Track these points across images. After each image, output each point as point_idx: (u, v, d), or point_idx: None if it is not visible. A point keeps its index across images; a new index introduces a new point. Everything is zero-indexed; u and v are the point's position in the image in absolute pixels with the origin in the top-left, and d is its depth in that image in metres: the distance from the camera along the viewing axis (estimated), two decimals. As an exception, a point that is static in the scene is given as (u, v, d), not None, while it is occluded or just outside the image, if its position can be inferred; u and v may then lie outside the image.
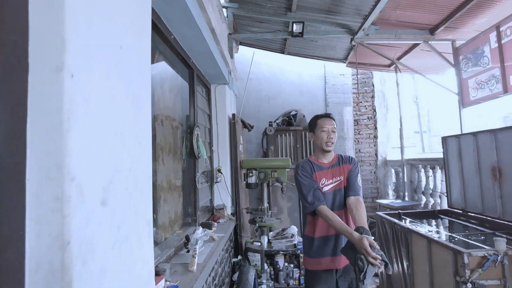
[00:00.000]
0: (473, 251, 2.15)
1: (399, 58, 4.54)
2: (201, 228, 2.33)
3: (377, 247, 1.69)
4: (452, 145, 3.67)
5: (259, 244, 3.54)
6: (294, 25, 3.77)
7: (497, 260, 2.09)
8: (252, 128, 4.65)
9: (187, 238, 2.28)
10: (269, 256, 3.72)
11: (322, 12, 3.84)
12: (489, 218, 3.09)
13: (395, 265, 3.37)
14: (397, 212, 3.82)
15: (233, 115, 3.76)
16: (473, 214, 3.32)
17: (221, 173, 3.51)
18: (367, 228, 1.81)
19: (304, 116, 5.22)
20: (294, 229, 3.92)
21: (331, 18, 3.89)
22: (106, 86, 0.77)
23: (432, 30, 3.79)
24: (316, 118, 2.18)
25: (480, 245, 2.42)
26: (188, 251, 2.21)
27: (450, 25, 3.59)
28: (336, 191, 2.08)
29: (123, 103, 0.85)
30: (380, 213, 3.87)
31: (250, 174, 3.81)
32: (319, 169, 2.09)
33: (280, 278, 3.65)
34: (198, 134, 2.83)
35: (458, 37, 3.83)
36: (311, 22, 3.96)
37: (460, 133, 3.85)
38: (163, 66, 2.42)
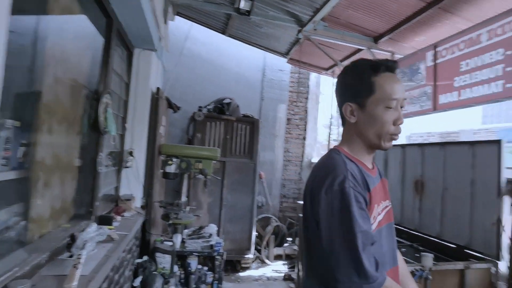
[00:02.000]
0: (402, 266, 2.06)
1: (341, 61, 4.50)
2: (95, 225, 1.74)
3: None
4: (379, 155, 3.73)
5: (170, 243, 3.03)
6: (243, 0, 3.35)
7: (423, 275, 2.04)
8: (179, 109, 4.08)
9: (73, 238, 1.68)
10: (181, 257, 3.24)
11: (274, -6, 3.51)
12: (406, 229, 3.18)
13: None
14: (320, 216, 3.76)
15: (158, 89, 3.16)
16: (390, 224, 3.40)
17: (133, 156, 2.89)
18: None
19: (238, 106, 4.84)
20: (213, 228, 3.52)
21: (281, 4, 3.59)
22: None
23: (377, 39, 3.79)
24: (372, 70, 0.98)
25: (407, 259, 2.39)
26: (71, 256, 1.61)
27: (393, 36, 3.62)
28: (388, 225, 1.08)
29: None
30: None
31: (170, 162, 3.26)
32: (371, 182, 0.99)
33: (191, 282, 3.20)
34: (107, 104, 2.19)
35: (397, 51, 3.92)
36: (260, 3, 3.60)
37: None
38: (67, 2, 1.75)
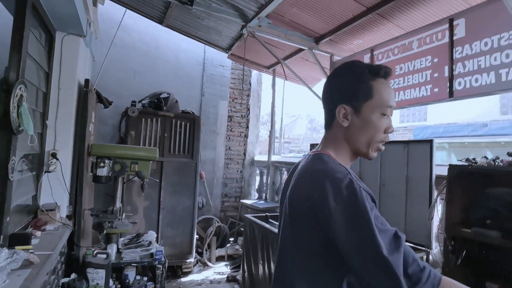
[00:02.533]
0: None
1: (284, 60, 4.53)
2: (6, 250, 1.40)
3: None
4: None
5: (104, 256, 2.69)
6: (185, -12, 3.11)
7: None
8: (110, 104, 3.64)
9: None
10: (117, 270, 2.91)
11: (218, -14, 3.34)
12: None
13: (262, 267, 3.23)
14: (264, 215, 3.74)
15: (87, 81, 2.74)
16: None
17: (57, 159, 2.46)
18: None
19: (176, 101, 4.54)
20: (152, 235, 3.23)
21: (226, -4, 3.44)
22: None
23: (318, 40, 3.89)
24: (371, 74, 0.93)
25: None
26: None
27: (333, 38, 3.75)
28: None
29: None
30: (249, 216, 3.68)
31: (102, 164, 2.90)
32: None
33: (129, 297, 2.90)
34: (22, 96, 1.80)
35: (336, 52, 4.08)
36: (203, -7, 3.39)
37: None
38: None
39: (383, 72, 0.93)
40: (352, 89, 0.93)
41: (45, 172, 2.42)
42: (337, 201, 0.78)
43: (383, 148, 0.96)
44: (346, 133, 0.94)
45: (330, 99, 0.98)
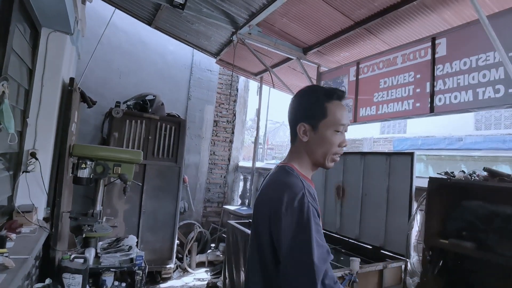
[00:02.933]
0: (333, 272, 2.14)
1: (272, 68, 4.58)
2: (-19, 254, 1.34)
3: None
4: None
5: (81, 261, 2.60)
6: (178, -8, 3.11)
7: (351, 279, 2.15)
8: (94, 104, 3.56)
9: None
10: (94, 275, 2.82)
11: (211, -9, 3.36)
12: (328, 232, 3.37)
13: (244, 274, 3.21)
14: (247, 221, 3.73)
15: (72, 80, 2.67)
16: (313, 227, 3.57)
17: (37, 159, 2.38)
18: None
19: (162, 104, 4.49)
20: (132, 240, 3.17)
21: (217, 3, 3.45)
22: None
23: (306, 50, 3.96)
24: (326, 96, 1.08)
25: (334, 263, 2.50)
26: None
27: (321, 49, 3.84)
28: None
29: None
30: (232, 222, 3.66)
31: (83, 166, 2.83)
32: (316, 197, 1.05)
33: (105, 303, 2.81)
34: (4, 93, 1.74)
35: (323, 64, 4.17)
36: (195, -2, 3.40)
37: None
38: None
39: (336, 95, 1.09)
40: (310, 110, 1.09)
41: (23, 172, 2.33)
42: (288, 210, 0.94)
43: (338, 159, 1.12)
44: (306, 147, 1.10)
45: (293, 117, 1.13)
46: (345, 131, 1.11)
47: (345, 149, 1.14)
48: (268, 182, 1.11)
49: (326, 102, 1.07)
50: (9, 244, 1.85)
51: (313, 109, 1.08)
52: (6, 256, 1.63)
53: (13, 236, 2.00)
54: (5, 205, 2.24)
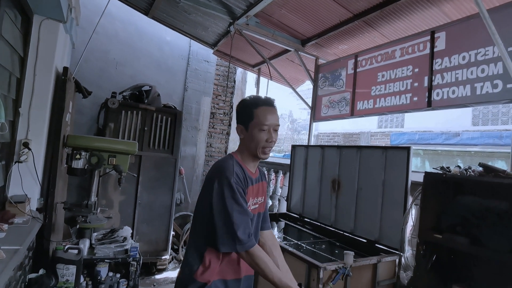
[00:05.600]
0: (327, 265, 2.15)
1: (270, 59, 4.53)
2: (-29, 244, 1.32)
3: None
4: (300, 154, 3.89)
5: (76, 251, 2.59)
6: (173, -19, 3.04)
7: (345, 273, 2.16)
8: (90, 94, 3.51)
9: None
10: (89, 266, 2.81)
11: (207, -19, 3.29)
12: (322, 225, 3.38)
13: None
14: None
15: (65, 69, 2.63)
16: (308, 220, 3.58)
17: (29, 149, 2.35)
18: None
19: (158, 95, 4.44)
20: (127, 231, 3.16)
21: (214, -8, 3.39)
22: None
23: (304, 42, 3.92)
24: (253, 104, 1.42)
25: (328, 256, 2.51)
26: None
27: (319, 41, 3.79)
28: (258, 214, 1.53)
29: None
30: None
31: (78, 156, 2.80)
32: (250, 182, 1.43)
33: (100, 294, 2.81)
34: (-5, 82, 1.70)
35: (321, 56, 4.13)
36: (192, -13, 3.33)
37: (307, 144, 4.15)
38: None
39: (261, 102, 1.42)
40: (242, 115, 1.45)
41: (15, 162, 2.30)
42: (219, 184, 1.32)
43: (268, 151, 1.43)
44: (243, 142, 1.47)
45: (236, 120, 1.49)
46: (275, 130, 1.42)
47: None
48: (215, 163, 1.47)
49: (254, 108, 1.40)
50: (0, 235, 1.84)
51: (244, 114, 1.43)
52: (-2, 247, 1.61)
53: (5, 226, 1.98)
54: (-2, 196, 2.22)
